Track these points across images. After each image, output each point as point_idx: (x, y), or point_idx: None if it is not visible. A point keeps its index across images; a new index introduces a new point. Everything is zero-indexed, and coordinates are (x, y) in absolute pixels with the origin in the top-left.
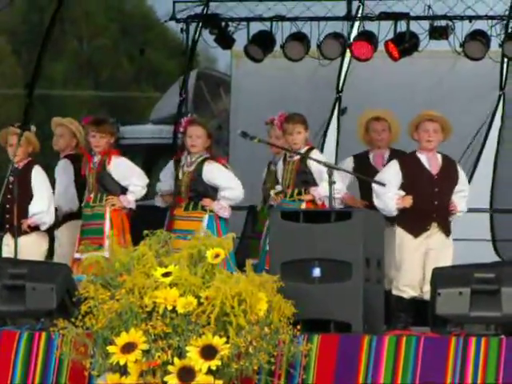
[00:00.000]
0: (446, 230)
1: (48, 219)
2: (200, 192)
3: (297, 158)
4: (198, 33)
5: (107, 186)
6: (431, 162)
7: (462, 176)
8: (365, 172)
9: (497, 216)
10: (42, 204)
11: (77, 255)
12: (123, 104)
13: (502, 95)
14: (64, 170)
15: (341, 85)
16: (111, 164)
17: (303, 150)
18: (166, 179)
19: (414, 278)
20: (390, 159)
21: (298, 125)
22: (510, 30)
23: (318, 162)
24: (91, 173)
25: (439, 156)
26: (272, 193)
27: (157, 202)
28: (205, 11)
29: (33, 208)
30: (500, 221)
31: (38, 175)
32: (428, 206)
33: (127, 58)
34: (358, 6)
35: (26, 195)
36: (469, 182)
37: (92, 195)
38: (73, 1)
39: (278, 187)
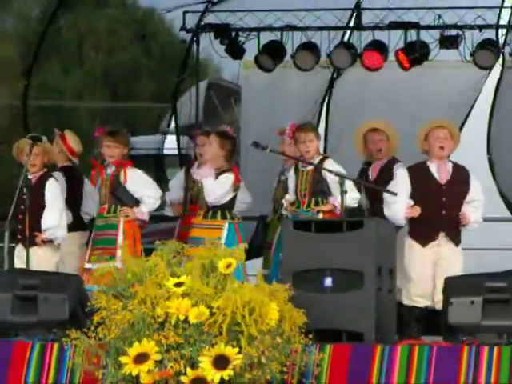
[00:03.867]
0: (455, 240)
1: (60, 234)
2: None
3: (310, 167)
4: (195, 41)
5: (121, 198)
6: (441, 170)
7: (475, 185)
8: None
9: (497, 163)
10: (53, 219)
11: (88, 265)
12: (134, 115)
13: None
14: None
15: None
16: (126, 176)
17: (317, 160)
18: (175, 189)
19: (425, 288)
20: (386, 167)
21: (309, 133)
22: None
23: (330, 171)
24: (104, 184)
25: (450, 164)
26: (284, 202)
27: (167, 211)
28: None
29: (44, 223)
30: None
31: (51, 188)
32: (435, 215)
33: (147, 75)
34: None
35: (40, 207)
36: None
37: (106, 206)
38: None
39: (288, 197)
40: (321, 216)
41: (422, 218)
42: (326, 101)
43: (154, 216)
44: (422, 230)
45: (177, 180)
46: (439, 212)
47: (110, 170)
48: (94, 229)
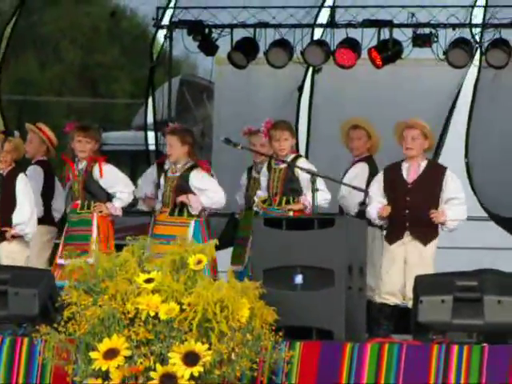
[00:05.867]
0: (423, 240)
1: (29, 230)
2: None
3: (283, 165)
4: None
5: (94, 193)
6: (410, 170)
7: (452, 184)
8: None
9: (474, 167)
10: (24, 215)
11: (60, 261)
12: (107, 110)
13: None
14: (33, 176)
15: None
16: (98, 171)
17: (290, 158)
18: (147, 184)
19: (395, 286)
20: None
21: (285, 131)
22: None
23: (302, 169)
24: (76, 179)
25: (424, 163)
26: (256, 199)
27: (140, 205)
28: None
29: (15, 218)
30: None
31: (21, 184)
32: (400, 215)
33: (125, 76)
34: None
35: (10, 202)
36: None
37: (79, 202)
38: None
39: (260, 193)
40: (291, 214)
41: (390, 217)
42: (308, 100)
43: (127, 211)
44: (390, 229)
45: (148, 175)
46: (403, 212)
47: (82, 166)
48: (67, 224)
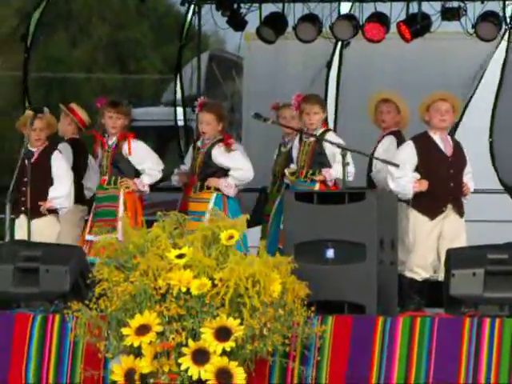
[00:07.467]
0: (461, 212)
1: (67, 204)
2: (208, 174)
3: (312, 139)
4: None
5: (122, 169)
6: (445, 143)
7: (467, 158)
8: None
9: (497, 145)
10: (63, 189)
11: (89, 237)
12: (136, 86)
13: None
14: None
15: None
16: (130, 147)
17: (319, 132)
18: (187, 161)
19: (427, 260)
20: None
21: (315, 105)
22: None
23: (332, 143)
24: (105, 155)
25: (448, 137)
26: (286, 171)
27: (173, 180)
28: None
29: (53, 192)
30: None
31: (57, 160)
32: (444, 187)
33: (154, 52)
34: None
35: (45, 179)
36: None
37: (106, 177)
38: None
39: (293, 166)
40: (317, 186)
41: (429, 191)
42: (336, 74)
43: (159, 187)
44: (430, 203)
45: (189, 152)
46: (447, 184)
47: (112, 141)
48: (95, 201)
